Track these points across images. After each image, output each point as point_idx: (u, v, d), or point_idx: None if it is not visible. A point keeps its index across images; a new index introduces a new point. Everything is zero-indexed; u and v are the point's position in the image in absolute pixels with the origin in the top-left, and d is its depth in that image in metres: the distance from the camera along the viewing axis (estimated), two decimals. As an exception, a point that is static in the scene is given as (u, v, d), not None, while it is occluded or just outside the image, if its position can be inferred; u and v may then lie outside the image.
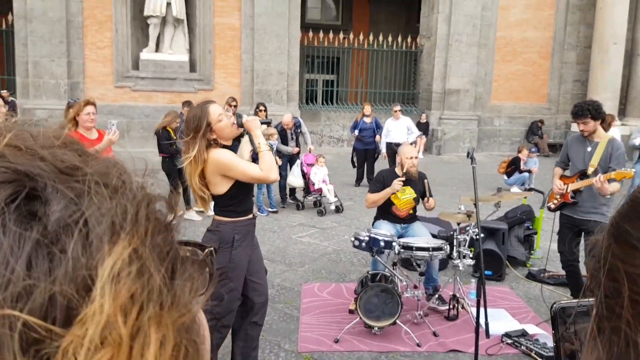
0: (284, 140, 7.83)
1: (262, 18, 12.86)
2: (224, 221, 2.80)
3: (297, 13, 13.32)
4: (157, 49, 12.76)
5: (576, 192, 4.03)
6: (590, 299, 0.50)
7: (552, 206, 4.25)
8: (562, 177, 4.24)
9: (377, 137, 9.56)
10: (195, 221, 6.71)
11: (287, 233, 6.43)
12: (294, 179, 7.67)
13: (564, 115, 16.15)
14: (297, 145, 8.09)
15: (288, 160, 7.88)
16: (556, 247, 6.08)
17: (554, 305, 1.11)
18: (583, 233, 4.09)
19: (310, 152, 8.01)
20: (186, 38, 12.89)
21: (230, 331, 3.09)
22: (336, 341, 3.67)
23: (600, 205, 3.99)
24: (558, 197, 4.16)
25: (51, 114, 11.95)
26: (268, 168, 2.71)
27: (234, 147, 6.56)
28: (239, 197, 2.79)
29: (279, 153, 7.59)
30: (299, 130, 8.08)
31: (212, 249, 0.48)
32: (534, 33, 15.43)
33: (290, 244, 6.01)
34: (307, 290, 4.62)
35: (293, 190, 7.95)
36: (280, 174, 7.76)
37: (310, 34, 14.51)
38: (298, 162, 7.76)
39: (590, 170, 3.93)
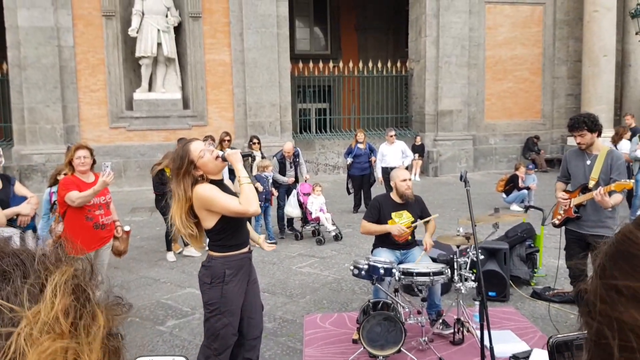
0: (282, 169, 7.83)
1: (252, 52, 13.06)
2: (215, 256, 2.80)
3: (286, 45, 13.54)
4: (150, 88, 12.91)
5: (579, 206, 3.99)
6: None
7: (557, 222, 4.20)
8: (565, 191, 4.21)
9: (373, 158, 9.57)
10: (195, 257, 6.64)
11: (286, 264, 6.35)
12: (291, 209, 7.64)
13: (559, 130, 16.23)
14: (296, 174, 8.08)
15: (285, 190, 7.86)
16: (560, 264, 6.02)
17: (551, 340, 1.07)
18: (591, 247, 4.03)
19: (306, 181, 8.00)
20: (178, 76, 13.06)
21: None
22: (340, 374, 3.57)
23: (606, 218, 3.95)
24: (562, 212, 4.12)
25: (48, 159, 12.01)
26: (247, 202, 2.69)
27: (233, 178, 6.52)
28: (228, 231, 2.77)
29: (275, 183, 7.58)
30: (297, 160, 8.10)
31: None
32: (523, 50, 15.65)
33: (291, 275, 5.93)
34: (309, 322, 4.53)
35: (291, 220, 7.91)
36: (278, 204, 7.75)
37: (301, 64, 14.71)
38: (294, 192, 7.74)
39: (591, 183, 3.91)
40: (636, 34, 12.64)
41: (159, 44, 12.45)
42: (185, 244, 6.92)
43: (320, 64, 14.78)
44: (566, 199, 4.07)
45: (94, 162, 4.39)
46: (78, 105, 12.46)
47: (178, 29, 12.95)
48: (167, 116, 12.86)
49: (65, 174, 4.80)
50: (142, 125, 12.79)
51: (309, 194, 7.65)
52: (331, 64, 15.04)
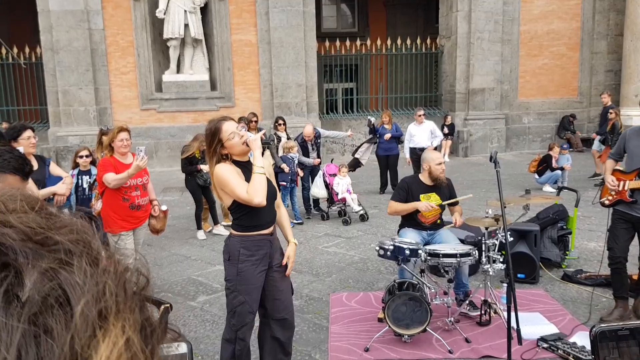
0: (304, 151, 7.83)
1: (277, 32, 12.97)
2: (233, 234, 2.87)
3: (312, 24, 13.38)
4: (178, 70, 13.03)
5: (634, 190, 3.82)
6: (634, 321, 0.44)
7: (607, 202, 4.01)
8: (615, 171, 4.02)
9: (388, 135, 9.35)
10: (224, 235, 6.73)
11: (313, 244, 6.39)
12: (317, 190, 7.65)
13: (596, 108, 15.58)
14: (318, 156, 8.06)
15: (310, 171, 7.87)
16: (593, 247, 5.86)
17: (594, 329, 1.03)
18: (637, 232, 3.88)
19: (332, 161, 7.98)
20: (205, 57, 13.13)
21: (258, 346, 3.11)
22: (366, 350, 3.61)
23: None
24: (613, 193, 3.95)
25: (83, 140, 12.32)
26: (253, 191, 2.69)
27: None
28: (244, 211, 2.79)
29: (300, 165, 7.58)
30: (319, 141, 8.06)
31: (167, 305, 0.48)
32: (560, 24, 15.01)
33: (317, 254, 5.97)
34: (335, 300, 4.57)
35: (317, 201, 7.92)
36: (303, 185, 7.77)
37: (327, 43, 14.54)
38: (320, 173, 7.73)
39: None
40: (682, 5, 11.93)
41: (186, 26, 12.51)
42: (215, 223, 7.04)
43: (348, 42, 14.58)
44: (615, 184, 3.89)
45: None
46: (109, 87, 12.72)
47: (204, 10, 12.96)
48: (195, 98, 12.99)
49: (87, 156, 4.98)
50: (172, 107, 12.97)
51: (334, 175, 7.63)
52: (358, 42, 14.81)
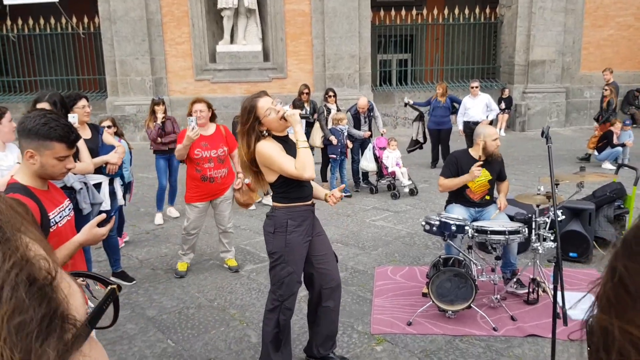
0: (357, 123, 7.81)
1: (331, 1, 12.80)
2: (278, 206, 2.90)
3: (368, -7, 13.10)
4: (232, 40, 13.19)
5: None
6: None
7: None
8: None
9: (452, 117, 9.26)
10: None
11: (360, 217, 6.46)
12: (367, 163, 7.65)
13: (665, 82, 14.58)
14: (370, 129, 8.03)
15: (360, 144, 7.87)
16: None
17: None
18: None
19: (382, 135, 7.93)
20: (258, 27, 13.20)
21: (306, 316, 3.23)
22: (409, 324, 3.66)
23: None
24: None
25: (139, 109, 12.84)
26: (302, 166, 2.74)
27: (307, 132, 6.59)
28: (290, 185, 2.85)
29: (350, 137, 7.60)
30: (372, 114, 8.02)
31: (114, 287, 0.46)
32: (630, -8, 13.98)
33: (364, 227, 6.03)
34: (380, 273, 4.63)
35: (366, 174, 7.94)
36: (352, 157, 7.79)
37: (382, 12, 14.22)
38: (370, 146, 7.71)
39: None
40: None
41: (240, -5, 12.58)
42: (266, 193, 7.22)
43: (403, 12, 14.20)
44: None
45: (214, 115, 4.61)
46: (165, 57, 13.07)
47: (258, -21, 12.97)
48: (248, 69, 13.14)
49: (109, 127, 5.16)
50: (225, 78, 13.19)
51: (384, 148, 7.61)
52: (414, 12, 14.39)
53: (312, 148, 5.57)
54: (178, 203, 6.98)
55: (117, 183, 4.56)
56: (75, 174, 3.41)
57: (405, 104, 9.16)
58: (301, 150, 2.78)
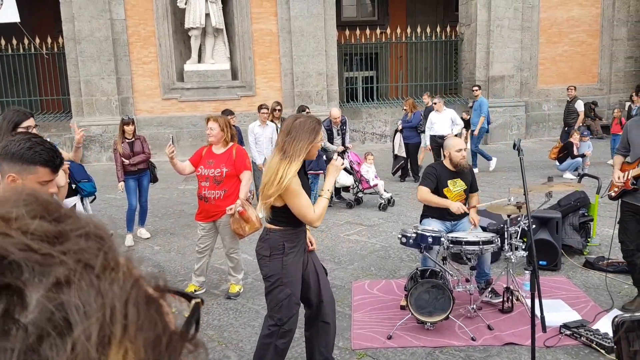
0: (329, 137, 7.79)
1: (298, 21, 12.99)
2: (274, 229, 2.85)
3: (333, 13, 13.36)
4: (200, 59, 13.16)
5: (637, 178, 3.85)
6: None
7: (613, 194, 4.05)
8: (624, 164, 4.04)
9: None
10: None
11: (334, 232, 6.49)
12: (345, 177, 7.62)
13: (617, 95, 15.38)
14: (343, 143, 8.04)
15: (329, 160, 7.90)
16: (615, 234, 5.85)
17: (615, 319, 1.06)
18: None
19: (347, 150, 7.88)
20: (226, 47, 13.23)
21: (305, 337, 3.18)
22: (389, 337, 3.69)
23: None
24: (619, 184, 3.98)
25: (105, 130, 12.59)
26: (319, 216, 2.77)
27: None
28: (292, 214, 2.81)
29: (324, 151, 7.63)
30: (344, 128, 8.03)
31: (199, 300, 0.46)
32: (580, 11, 14.77)
33: (339, 242, 6.06)
34: (357, 288, 4.66)
35: (339, 189, 7.99)
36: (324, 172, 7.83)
37: (347, 32, 14.51)
38: (346, 161, 7.72)
39: None
40: None
41: (207, 15, 12.60)
42: None
43: (368, 31, 14.53)
44: (622, 180, 3.91)
45: (232, 135, 4.45)
46: (131, 77, 12.91)
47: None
48: (216, 87, 13.11)
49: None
50: (193, 96, 13.12)
51: (359, 163, 7.70)
52: (378, 31, 14.75)
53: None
54: (149, 224, 6.85)
55: (87, 202, 4.47)
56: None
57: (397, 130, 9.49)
58: (324, 200, 2.80)
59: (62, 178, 3.47)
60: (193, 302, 0.45)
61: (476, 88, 10.78)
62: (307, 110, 8.07)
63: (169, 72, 13.02)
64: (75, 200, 4.24)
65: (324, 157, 7.32)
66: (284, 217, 2.82)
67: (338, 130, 7.91)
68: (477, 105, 10.30)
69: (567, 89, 10.87)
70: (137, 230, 6.48)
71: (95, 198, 4.94)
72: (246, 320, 4.07)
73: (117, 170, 6.01)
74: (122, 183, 6.00)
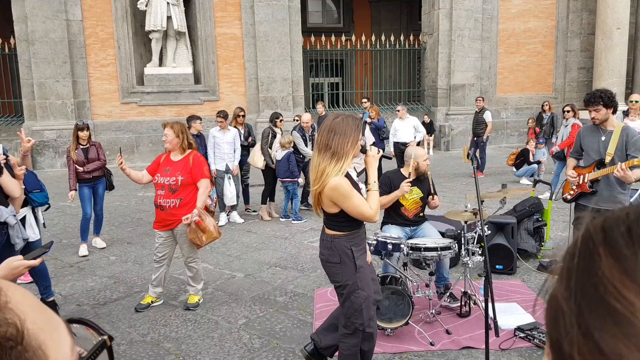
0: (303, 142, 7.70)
1: (263, 26, 12.95)
2: (339, 235, 2.75)
3: (298, 19, 13.39)
4: (161, 63, 12.91)
5: (594, 181, 4.00)
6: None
7: (569, 197, 4.20)
8: (576, 167, 4.20)
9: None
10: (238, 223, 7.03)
11: (298, 239, 6.46)
12: None
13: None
14: (313, 148, 7.98)
15: (304, 166, 7.87)
16: (566, 237, 6.07)
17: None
18: None
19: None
20: (189, 50, 13.03)
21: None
22: (350, 345, 3.68)
23: (618, 194, 3.96)
24: (574, 187, 4.13)
25: (59, 134, 12.15)
26: (377, 209, 2.69)
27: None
28: (352, 217, 2.73)
29: (295, 158, 7.56)
30: (314, 134, 8.01)
31: (106, 337, 0.44)
32: (536, 23, 15.34)
33: (302, 249, 6.03)
34: (319, 296, 4.64)
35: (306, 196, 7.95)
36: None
37: (313, 38, 14.56)
38: None
39: (607, 159, 3.91)
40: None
41: (169, 18, 12.40)
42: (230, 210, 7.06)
43: (333, 38, 14.63)
44: (576, 177, 4.08)
45: (190, 142, 4.34)
46: (88, 80, 12.53)
47: (188, 2, 12.87)
48: (178, 91, 12.89)
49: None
50: (154, 101, 12.85)
51: None
52: (343, 38, 14.88)
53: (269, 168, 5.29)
54: (105, 233, 6.64)
55: (39, 212, 4.33)
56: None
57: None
58: (375, 193, 2.72)
59: (16, 189, 3.33)
60: (100, 338, 0.44)
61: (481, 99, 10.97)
62: (280, 117, 8.01)
63: (128, 76, 12.71)
64: (26, 211, 4.09)
65: (299, 160, 7.26)
66: (344, 221, 2.73)
67: (309, 135, 7.81)
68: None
69: (476, 100, 11.20)
70: (92, 239, 6.26)
71: (49, 207, 4.77)
72: (205, 332, 3.98)
73: (69, 178, 5.79)
74: (72, 192, 5.79)
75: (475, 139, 10.60)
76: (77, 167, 5.76)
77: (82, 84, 12.47)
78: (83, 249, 6.00)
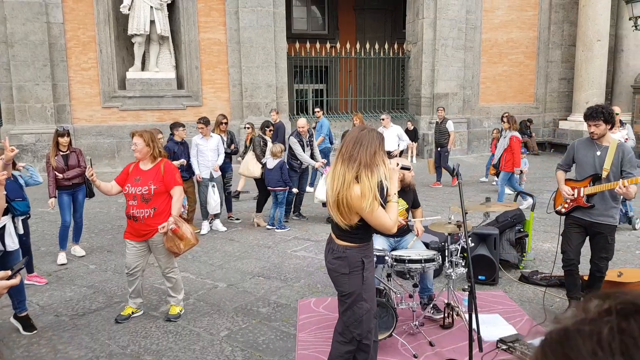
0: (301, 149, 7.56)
1: (247, 31, 12.91)
2: (350, 246, 2.80)
3: (283, 25, 13.39)
4: (143, 67, 12.77)
5: (590, 196, 4.05)
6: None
7: (563, 210, 4.24)
8: (568, 181, 4.24)
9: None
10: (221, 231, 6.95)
11: (281, 248, 6.41)
12: (324, 193, 7.32)
13: (551, 114, 16.32)
14: (312, 156, 7.72)
15: (300, 174, 7.77)
16: (547, 248, 6.15)
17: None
18: (589, 236, 4.13)
19: (324, 166, 7.70)
20: (172, 55, 12.91)
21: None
22: (333, 357, 3.65)
23: (611, 208, 4.04)
24: (569, 201, 4.17)
25: (39, 138, 11.91)
26: (396, 220, 2.75)
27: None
28: (368, 226, 2.79)
29: (291, 165, 7.47)
30: (312, 140, 7.80)
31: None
32: (519, 33, 15.60)
33: (286, 258, 5.99)
34: (303, 306, 4.60)
35: (299, 206, 7.88)
36: (290, 187, 7.67)
37: (297, 45, 14.57)
38: (324, 176, 7.42)
39: (604, 174, 3.97)
40: (630, 19, 12.60)
41: (152, 22, 12.28)
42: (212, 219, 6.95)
43: (318, 45, 14.65)
44: (572, 193, 4.12)
45: (160, 150, 4.29)
46: (69, 84, 12.31)
47: (171, 7, 12.76)
48: (160, 96, 12.75)
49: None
50: (136, 105, 12.69)
51: None
52: (328, 45, 14.91)
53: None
54: (84, 240, 6.52)
55: (19, 221, 4.24)
56: None
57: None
58: (394, 205, 2.77)
59: None
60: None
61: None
62: (270, 127, 7.95)
63: (109, 80, 12.53)
64: (6, 220, 3.99)
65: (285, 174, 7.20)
66: (359, 232, 2.78)
67: (307, 141, 7.64)
68: (319, 126, 10.20)
69: (437, 110, 11.36)
70: (71, 247, 6.14)
71: (29, 217, 4.66)
72: (186, 344, 3.91)
73: (49, 185, 5.67)
74: (52, 200, 5.67)
75: (438, 149, 10.65)
76: (57, 174, 5.64)
77: (63, 87, 12.26)
78: (62, 257, 5.87)
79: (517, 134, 8.53)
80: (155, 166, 4.23)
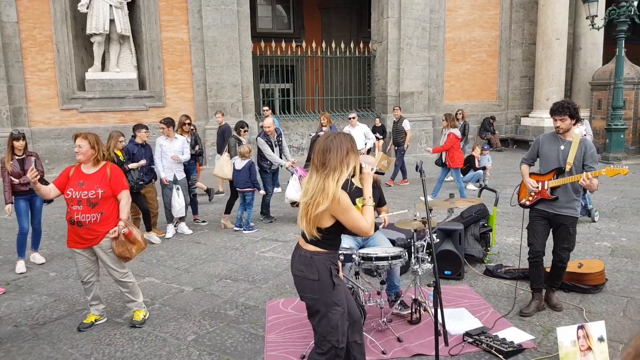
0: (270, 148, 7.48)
1: (211, 30, 12.75)
2: (320, 252, 2.76)
3: (247, 24, 13.27)
4: (104, 67, 12.43)
5: (554, 188, 4.17)
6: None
7: (528, 203, 4.35)
8: (531, 174, 4.35)
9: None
10: (155, 244, 6.57)
11: (249, 249, 6.35)
12: (296, 193, 7.10)
13: (513, 111, 16.76)
14: (281, 155, 7.67)
15: (272, 174, 7.70)
16: (511, 242, 6.30)
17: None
18: (552, 227, 4.25)
19: (290, 166, 7.62)
20: (133, 55, 12.62)
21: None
22: (302, 358, 3.64)
23: (573, 200, 4.18)
24: (533, 194, 4.28)
25: (-5, 142, 11.43)
26: (372, 223, 2.74)
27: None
28: (340, 232, 2.77)
29: (262, 166, 7.38)
30: (280, 139, 7.73)
31: None
32: (481, 33, 15.95)
33: (254, 260, 5.94)
34: (271, 308, 4.57)
35: (268, 208, 7.80)
36: (266, 188, 7.59)
37: (263, 44, 14.47)
38: (295, 175, 7.35)
39: (567, 167, 4.10)
40: (587, 18, 13.07)
41: (112, 21, 11.97)
42: (148, 230, 6.77)
43: (283, 44, 14.59)
44: (536, 186, 4.23)
45: (104, 154, 4.16)
46: (25, 85, 11.87)
47: (132, 5, 12.47)
48: (122, 97, 12.45)
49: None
50: (96, 107, 12.34)
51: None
52: (294, 44, 14.86)
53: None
54: (44, 247, 6.29)
55: None
56: None
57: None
58: (370, 208, 2.78)
59: None
60: None
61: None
62: (245, 127, 7.83)
63: (68, 81, 12.14)
64: None
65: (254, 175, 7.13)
66: (332, 238, 2.76)
67: (275, 141, 7.58)
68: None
69: (393, 109, 11.61)
70: (30, 255, 5.91)
71: None
72: (153, 350, 3.82)
73: (4, 191, 5.45)
74: (9, 206, 5.45)
75: (396, 148, 10.84)
76: (13, 179, 5.43)
77: (19, 89, 11.80)
78: (20, 266, 5.65)
79: (455, 131, 8.71)
80: (101, 170, 4.10)
